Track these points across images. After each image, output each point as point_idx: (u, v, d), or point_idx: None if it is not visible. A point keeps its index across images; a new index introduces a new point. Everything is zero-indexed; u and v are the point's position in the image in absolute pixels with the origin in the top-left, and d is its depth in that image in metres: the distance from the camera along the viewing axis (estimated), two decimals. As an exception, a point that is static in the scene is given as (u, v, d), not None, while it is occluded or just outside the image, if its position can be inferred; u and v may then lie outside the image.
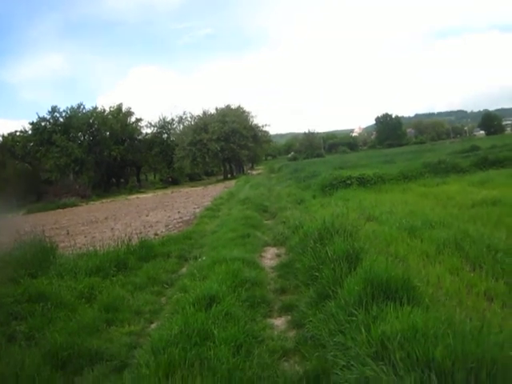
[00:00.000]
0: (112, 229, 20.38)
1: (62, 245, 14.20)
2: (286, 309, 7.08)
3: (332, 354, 4.76)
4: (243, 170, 79.49)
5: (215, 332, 5.30)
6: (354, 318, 4.94)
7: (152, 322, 7.38)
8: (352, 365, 4.24)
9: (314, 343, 5.46)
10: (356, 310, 5.05)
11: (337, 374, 4.37)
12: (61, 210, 43.35)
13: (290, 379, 4.78)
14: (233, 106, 67.60)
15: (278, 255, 10.95)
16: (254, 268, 8.92)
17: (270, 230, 14.18)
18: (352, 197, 18.29)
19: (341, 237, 7.86)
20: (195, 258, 10.83)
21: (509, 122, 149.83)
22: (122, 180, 75.61)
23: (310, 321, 5.86)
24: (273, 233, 13.46)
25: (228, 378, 4.42)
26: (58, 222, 28.32)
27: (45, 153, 59.45)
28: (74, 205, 47.95)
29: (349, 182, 22.71)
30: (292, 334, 6.15)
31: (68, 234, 20.50)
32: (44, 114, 64.27)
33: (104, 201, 50.77)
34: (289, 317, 6.78)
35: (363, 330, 4.48)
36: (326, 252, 7.30)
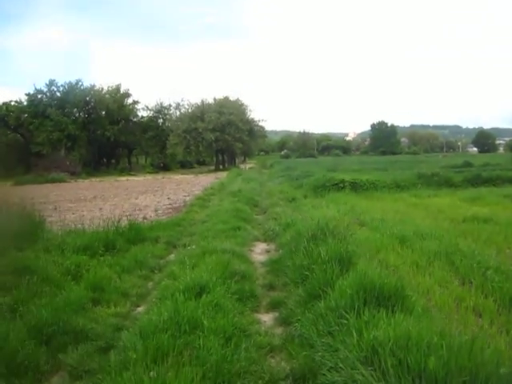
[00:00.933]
0: (100, 208, 20.30)
1: (49, 219, 14.10)
2: (274, 305, 7.06)
3: (320, 354, 4.75)
4: (235, 163, 79.45)
5: (205, 322, 5.25)
6: (344, 321, 4.93)
7: (138, 306, 7.35)
8: (340, 367, 4.22)
9: (301, 342, 5.44)
10: (347, 313, 5.04)
11: (324, 374, 4.35)
12: (49, 185, 43.00)
13: (276, 376, 4.77)
14: (231, 98, 67.58)
15: (268, 251, 10.94)
16: (243, 261, 8.92)
17: (261, 225, 14.18)
18: (344, 201, 18.31)
19: (334, 239, 7.86)
20: (184, 246, 10.81)
21: (502, 142, 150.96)
22: (113, 161, 75.17)
23: (299, 319, 5.85)
24: (263, 228, 13.46)
25: (216, 369, 4.39)
26: (46, 197, 28.05)
27: (38, 126, 58.69)
28: (63, 181, 47.64)
29: (341, 185, 22.79)
30: (279, 330, 6.13)
31: (56, 209, 20.37)
32: (41, 86, 63.61)
33: (93, 180, 50.50)
34: (276, 313, 6.77)
35: (355, 334, 4.47)
36: (319, 252, 7.30)
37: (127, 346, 4.90)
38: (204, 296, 6.15)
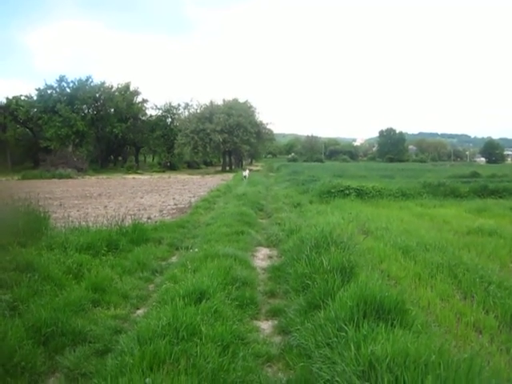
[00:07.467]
0: (105, 206, 20.36)
1: (53, 215, 14.17)
2: (274, 313, 7.04)
3: (317, 366, 4.72)
4: (242, 165, 79.32)
5: (203, 329, 5.24)
6: (343, 334, 4.89)
7: (138, 308, 7.34)
8: (337, 381, 4.19)
9: (299, 352, 5.41)
10: (346, 325, 5.01)
11: (320, 387, 4.33)
12: (56, 180, 43.19)
13: (272, 386, 4.75)
14: (240, 100, 67.46)
15: (270, 257, 10.91)
16: (245, 267, 8.87)
17: (264, 230, 14.14)
18: (349, 207, 18.26)
19: (337, 248, 7.82)
20: (187, 249, 10.79)
21: (510, 153, 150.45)
22: (120, 158, 75.35)
23: (298, 329, 5.82)
24: (267, 233, 13.42)
25: (212, 378, 4.37)
26: (52, 192, 28.21)
27: (47, 121, 58.84)
28: (70, 177, 47.79)
29: (347, 192, 22.76)
30: (278, 339, 6.10)
31: (61, 205, 20.45)
32: (51, 81, 63.78)
33: (100, 177, 50.56)
34: (276, 321, 6.74)
35: (352, 347, 4.44)
36: (321, 261, 7.27)
37: (124, 351, 4.88)
38: (204, 302, 6.13)
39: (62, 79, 63.50)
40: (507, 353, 5.32)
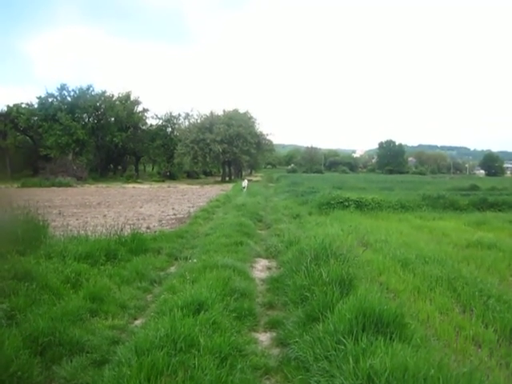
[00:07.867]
0: (104, 215, 20.33)
1: (53, 224, 14.16)
2: (273, 325, 7.01)
3: (315, 379, 4.71)
4: (241, 175, 79.30)
5: (201, 340, 5.21)
6: (341, 347, 4.87)
7: (136, 319, 7.31)
8: (335, 394, 4.18)
9: (297, 365, 5.39)
10: (345, 338, 4.99)
11: (318, 401, 4.31)
12: (55, 189, 43.14)
13: (271, 399, 4.72)
14: (241, 111, 67.51)
15: (269, 268, 10.89)
16: (244, 278, 8.83)
17: (263, 241, 14.13)
18: (349, 219, 18.25)
19: (337, 260, 7.80)
20: (186, 259, 10.76)
21: (510, 166, 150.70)
22: (120, 167, 75.30)
23: (296, 341, 5.78)
24: (266, 244, 13.41)
25: (210, 391, 4.35)
26: (51, 201, 28.20)
27: (47, 129, 58.81)
28: (69, 185, 47.69)
29: (346, 203, 22.77)
30: (276, 351, 6.07)
31: (60, 214, 20.43)
32: (52, 89, 63.80)
33: (99, 186, 50.54)
34: (274, 333, 6.72)
35: (351, 361, 4.42)
36: (320, 273, 7.26)
37: (122, 362, 4.84)
38: (202, 313, 6.11)
39: (62, 87, 63.60)
40: (507, 367, 5.29)
